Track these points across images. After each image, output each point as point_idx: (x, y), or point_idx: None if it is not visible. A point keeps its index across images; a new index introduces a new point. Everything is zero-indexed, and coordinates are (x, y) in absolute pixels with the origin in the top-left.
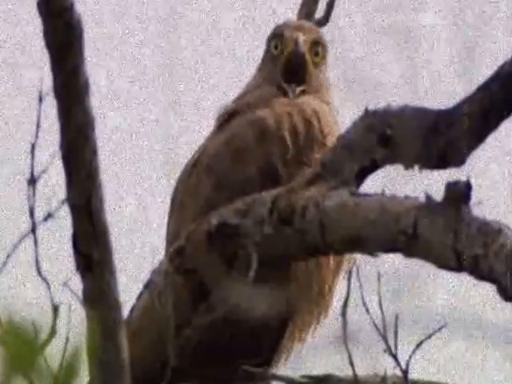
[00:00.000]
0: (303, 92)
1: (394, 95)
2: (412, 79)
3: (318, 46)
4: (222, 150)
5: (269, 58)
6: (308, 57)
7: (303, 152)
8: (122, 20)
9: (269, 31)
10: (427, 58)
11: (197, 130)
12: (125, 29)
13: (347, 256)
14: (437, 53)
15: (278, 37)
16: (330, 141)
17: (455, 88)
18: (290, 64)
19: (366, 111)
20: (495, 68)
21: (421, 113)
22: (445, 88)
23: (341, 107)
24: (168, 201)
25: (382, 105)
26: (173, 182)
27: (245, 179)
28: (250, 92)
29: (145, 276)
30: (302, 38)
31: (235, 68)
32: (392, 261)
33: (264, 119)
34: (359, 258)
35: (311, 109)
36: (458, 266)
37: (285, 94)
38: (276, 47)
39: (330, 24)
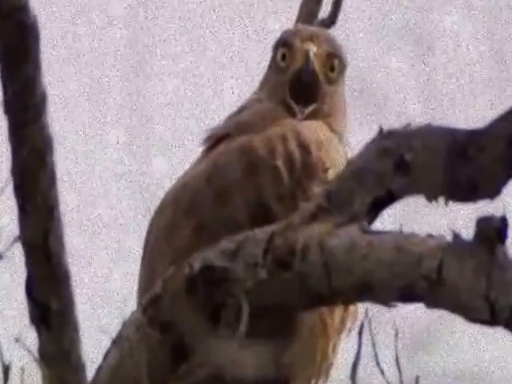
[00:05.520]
0: (314, 113)
1: (407, 108)
2: (429, 90)
3: (334, 58)
4: (204, 186)
5: (274, 68)
6: (320, 74)
7: (300, 185)
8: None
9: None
10: (448, 65)
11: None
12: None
13: (353, 309)
14: (460, 59)
15: (286, 46)
16: (331, 176)
17: (484, 102)
18: (299, 82)
19: (381, 132)
20: None
21: (446, 134)
22: (470, 102)
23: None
24: (142, 238)
25: (395, 121)
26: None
27: (231, 220)
28: (248, 108)
29: (113, 330)
30: (314, 50)
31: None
32: (411, 312)
33: (253, 146)
34: (372, 308)
35: (310, 133)
36: (491, 318)
37: (291, 112)
38: (283, 58)
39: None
